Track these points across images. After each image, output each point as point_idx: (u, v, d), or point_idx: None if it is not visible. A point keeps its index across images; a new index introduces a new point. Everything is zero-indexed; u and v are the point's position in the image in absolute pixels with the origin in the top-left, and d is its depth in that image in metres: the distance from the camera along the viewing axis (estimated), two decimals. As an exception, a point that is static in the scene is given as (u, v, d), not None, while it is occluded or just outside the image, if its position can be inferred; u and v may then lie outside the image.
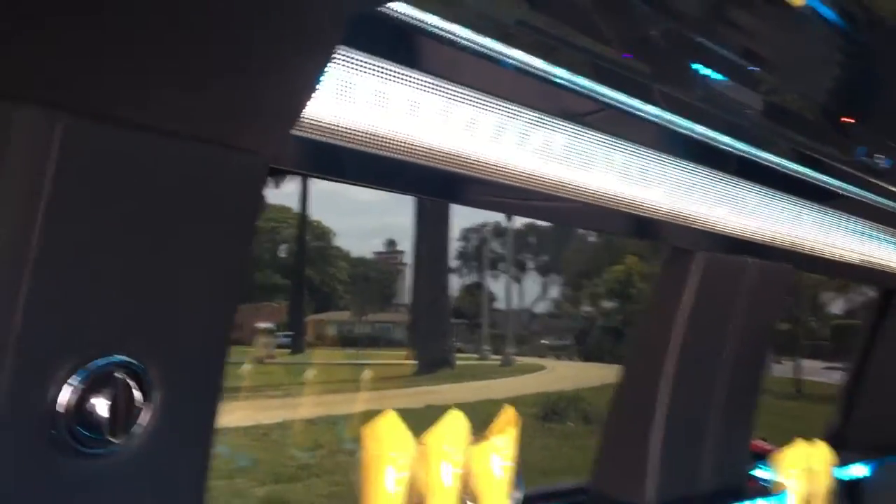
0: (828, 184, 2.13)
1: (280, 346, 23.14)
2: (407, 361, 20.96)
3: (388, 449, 1.37)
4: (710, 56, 1.62)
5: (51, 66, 0.85)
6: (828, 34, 1.74)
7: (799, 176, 2.02)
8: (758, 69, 1.76)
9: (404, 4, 1.14)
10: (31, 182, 0.88)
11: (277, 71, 1.00)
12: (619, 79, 1.48)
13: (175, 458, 1.05)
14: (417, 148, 1.23)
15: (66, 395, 0.93)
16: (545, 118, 1.38)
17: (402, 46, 1.19)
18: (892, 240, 2.65)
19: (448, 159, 1.28)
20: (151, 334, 1.01)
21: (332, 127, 1.15)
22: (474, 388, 15.53)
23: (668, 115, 1.62)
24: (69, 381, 0.93)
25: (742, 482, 2.22)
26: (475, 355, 25.18)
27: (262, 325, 23.01)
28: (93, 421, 0.95)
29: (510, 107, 1.32)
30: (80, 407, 0.94)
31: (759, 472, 2.24)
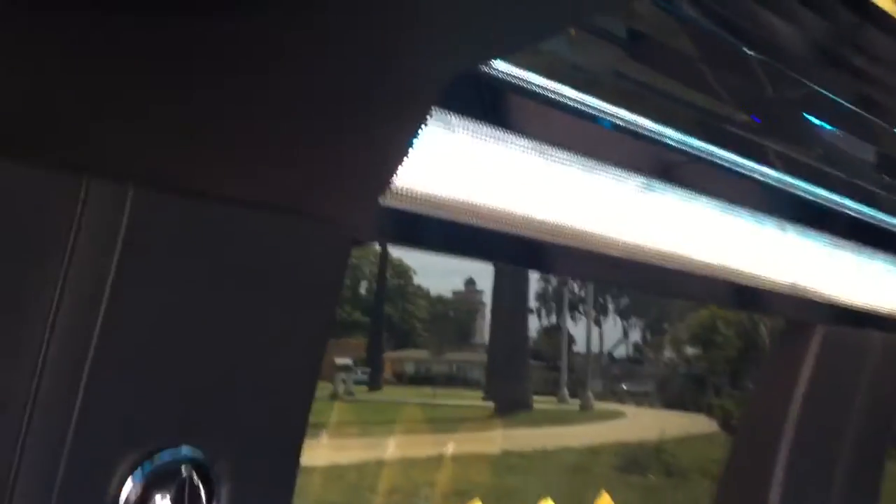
0: None
1: (358, 383, 23.19)
2: (483, 403, 20.71)
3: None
4: (825, 107, 1.47)
5: (124, 138, 0.78)
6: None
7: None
8: (878, 121, 1.60)
9: (504, 63, 1.04)
10: (98, 259, 0.81)
11: (365, 136, 0.91)
12: (731, 137, 1.36)
13: None
14: (515, 217, 1.13)
15: (126, 492, 0.85)
16: (653, 183, 1.26)
17: (499, 106, 1.10)
18: None
19: (547, 229, 1.17)
20: (222, 423, 0.92)
21: (423, 195, 1.05)
22: (552, 435, 15.18)
23: (782, 176, 1.48)
24: (131, 476, 0.85)
25: None
26: (553, 398, 24.72)
27: (341, 361, 23.14)
28: (156, 520, 0.87)
29: (615, 171, 1.21)
30: (143, 505, 0.86)
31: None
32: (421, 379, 27.44)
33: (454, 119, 1.04)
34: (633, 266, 1.34)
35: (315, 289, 0.97)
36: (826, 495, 1.92)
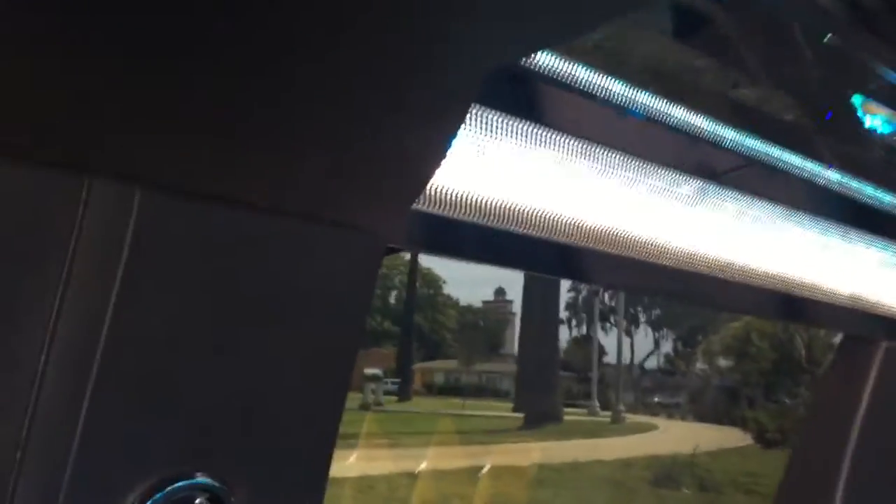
0: None
1: (387, 393, 23.16)
2: (513, 414, 20.54)
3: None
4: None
5: (130, 137, 0.71)
6: None
7: None
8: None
9: (547, 54, 0.96)
10: (102, 266, 0.73)
11: (400, 137, 0.83)
12: (793, 137, 1.26)
13: None
14: (560, 223, 1.04)
15: (135, 526, 0.77)
16: (710, 188, 1.16)
17: (541, 104, 1.01)
18: None
19: (593, 236, 1.08)
20: (241, 449, 0.84)
21: (459, 199, 0.97)
22: (583, 447, 14.98)
23: (846, 179, 1.37)
24: (140, 508, 0.77)
25: None
26: (584, 410, 24.48)
27: (371, 371, 23.13)
28: (166, 556, 0.79)
29: (668, 174, 1.12)
30: (153, 540, 0.78)
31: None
32: (450, 389, 27.38)
33: (493, 117, 0.95)
34: (683, 276, 1.24)
35: (343, 300, 0.89)
36: None
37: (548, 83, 1.00)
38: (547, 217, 1.02)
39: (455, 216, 0.98)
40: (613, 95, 1.02)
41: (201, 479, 0.81)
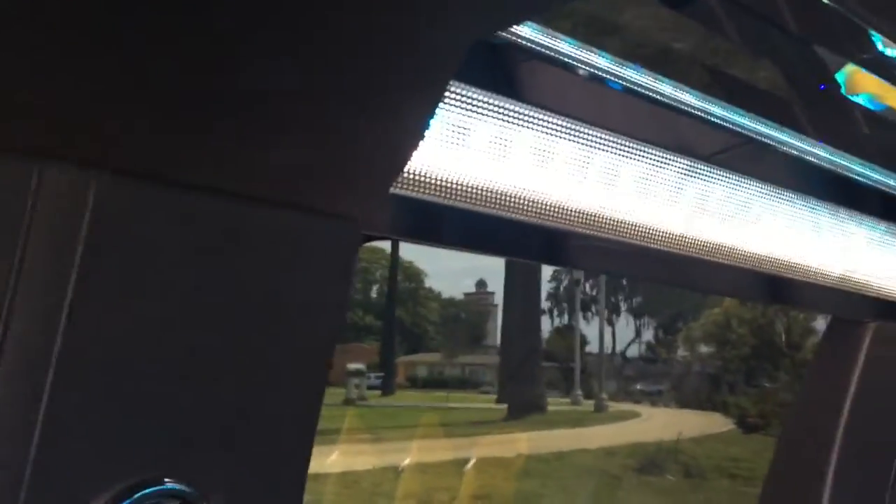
0: None
1: (371, 388, 23.07)
2: (497, 405, 20.55)
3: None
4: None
5: (86, 120, 0.65)
6: None
7: None
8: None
9: (532, 29, 0.91)
10: (57, 258, 0.68)
11: (376, 118, 0.78)
12: (780, 112, 1.22)
13: None
14: (545, 206, 0.99)
15: (101, 534, 0.72)
16: (699, 167, 1.12)
17: (525, 80, 0.96)
18: None
19: (581, 219, 1.04)
20: (212, 451, 0.79)
21: (438, 183, 0.92)
22: (567, 437, 15.01)
23: (835, 157, 1.34)
24: (106, 516, 0.72)
25: None
26: (567, 400, 24.52)
27: (353, 366, 23.02)
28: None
29: (657, 153, 1.07)
30: (120, 550, 0.73)
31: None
32: (434, 383, 27.32)
33: (472, 93, 0.90)
34: (672, 259, 1.20)
35: (321, 290, 0.84)
36: (881, 495, 1.80)
37: (531, 58, 0.95)
38: (531, 200, 0.98)
39: (437, 200, 0.93)
40: (599, 70, 0.98)
41: (171, 484, 0.76)
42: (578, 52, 0.96)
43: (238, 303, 0.79)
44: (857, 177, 1.36)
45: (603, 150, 1.01)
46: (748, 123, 1.16)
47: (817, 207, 1.34)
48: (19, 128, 0.64)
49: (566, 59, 0.95)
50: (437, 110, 0.85)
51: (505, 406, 19.65)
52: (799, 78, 1.18)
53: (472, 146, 0.91)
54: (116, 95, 0.66)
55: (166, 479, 0.75)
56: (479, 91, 0.90)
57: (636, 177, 1.06)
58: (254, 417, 0.82)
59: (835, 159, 1.31)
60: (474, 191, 0.94)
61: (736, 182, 1.20)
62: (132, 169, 0.70)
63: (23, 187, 0.65)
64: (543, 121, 0.96)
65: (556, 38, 0.93)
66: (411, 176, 0.89)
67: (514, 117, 0.93)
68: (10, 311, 0.67)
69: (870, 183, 1.39)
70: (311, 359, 0.85)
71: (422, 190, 0.91)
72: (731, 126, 1.14)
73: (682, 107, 1.08)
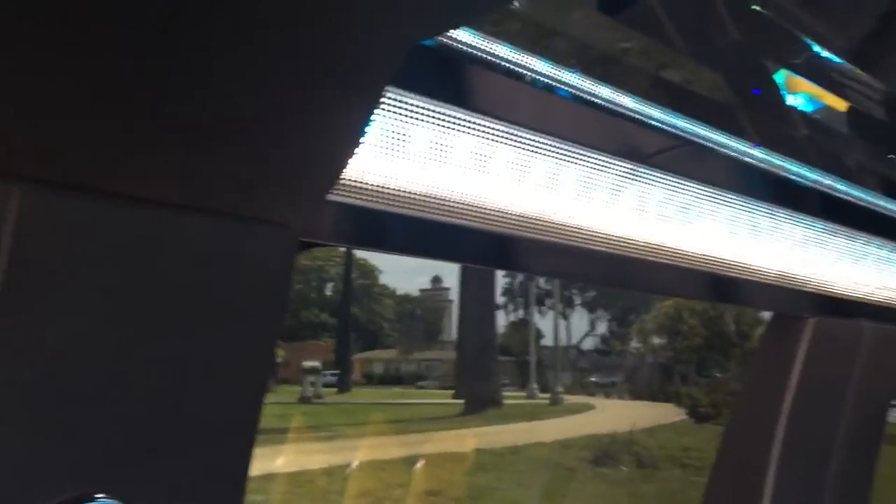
0: None
1: (326, 385, 22.94)
2: (454, 401, 20.60)
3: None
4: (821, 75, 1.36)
5: (6, 128, 0.63)
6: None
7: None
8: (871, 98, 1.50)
9: (469, 34, 0.91)
10: None
11: (311, 124, 0.77)
12: (716, 115, 1.24)
13: None
14: (487, 211, 0.99)
15: (28, 555, 0.70)
16: (640, 170, 1.13)
17: (464, 86, 0.96)
18: None
19: (522, 223, 1.04)
20: (146, 465, 0.78)
21: (378, 189, 0.91)
22: (523, 430, 15.11)
23: (770, 157, 1.37)
24: (32, 536, 0.70)
25: None
26: (523, 393, 24.69)
27: (309, 363, 22.87)
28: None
29: (598, 157, 1.08)
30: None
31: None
32: (390, 379, 27.27)
33: (411, 100, 0.90)
34: (615, 261, 1.21)
35: (257, 297, 0.83)
36: (820, 486, 1.85)
37: (470, 63, 0.95)
38: (472, 205, 0.98)
39: (377, 206, 0.92)
40: (539, 75, 0.98)
41: (104, 500, 0.74)
42: (518, 57, 0.96)
43: (171, 313, 0.77)
44: (793, 177, 1.39)
45: (543, 154, 1.02)
46: (687, 126, 1.18)
47: (756, 207, 1.37)
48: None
49: (505, 64, 0.96)
50: (374, 116, 0.84)
51: (461, 401, 19.71)
52: (736, 82, 1.19)
53: (411, 152, 0.91)
54: (40, 106, 0.64)
55: (98, 496, 0.74)
56: (416, 97, 0.90)
57: (577, 180, 1.07)
58: (190, 428, 0.80)
59: (772, 160, 1.34)
60: (414, 196, 0.94)
61: (676, 184, 1.21)
62: (57, 179, 0.69)
63: None
64: (483, 126, 0.95)
65: (495, 42, 0.93)
66: (350, 182, 0.88)
67: (453, 123, 0.93)
68: None
69: (806, 183, 1.41)
70: (249, 367, 0.84)
71: (361, 196, 0.90)
72: (670, 129, 1.16)
73: (622, 111, 1.09)
